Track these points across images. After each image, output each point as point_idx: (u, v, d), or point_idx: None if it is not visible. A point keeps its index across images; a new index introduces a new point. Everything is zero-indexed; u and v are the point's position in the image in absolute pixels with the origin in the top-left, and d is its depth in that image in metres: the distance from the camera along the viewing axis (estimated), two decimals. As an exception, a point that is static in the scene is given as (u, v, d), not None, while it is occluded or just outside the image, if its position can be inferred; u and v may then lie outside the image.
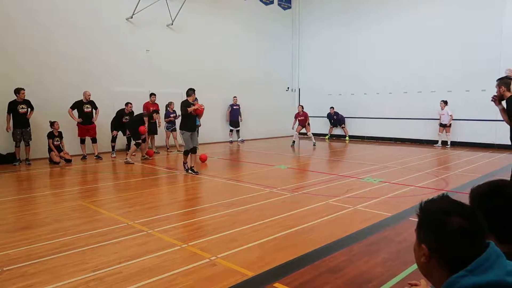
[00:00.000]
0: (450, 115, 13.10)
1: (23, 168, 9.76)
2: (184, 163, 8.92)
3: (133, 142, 10.69)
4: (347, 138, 16.74)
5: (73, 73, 11.71)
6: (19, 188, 7.82)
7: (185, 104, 8.64)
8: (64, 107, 11.20)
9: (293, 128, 14.51)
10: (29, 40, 10.87)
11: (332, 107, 16.95)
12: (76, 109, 10.99)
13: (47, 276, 3.50)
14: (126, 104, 11.58)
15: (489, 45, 12.86)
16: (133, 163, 10.39)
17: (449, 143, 13.32)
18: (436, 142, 13.64)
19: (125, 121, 11.53)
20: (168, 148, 13.02)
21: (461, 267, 1.18)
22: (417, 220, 1.35)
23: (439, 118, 13.52)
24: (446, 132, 13.27)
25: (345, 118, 16.97)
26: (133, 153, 11.02)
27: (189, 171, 8.74)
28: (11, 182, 8.28)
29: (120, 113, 11.57)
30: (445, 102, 13.24)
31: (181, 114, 8.78)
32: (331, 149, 13.95)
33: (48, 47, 11.24)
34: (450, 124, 13.22)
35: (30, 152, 10.34)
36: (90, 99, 11.06)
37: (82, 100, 11.07)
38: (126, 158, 10.47)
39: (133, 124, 10.75)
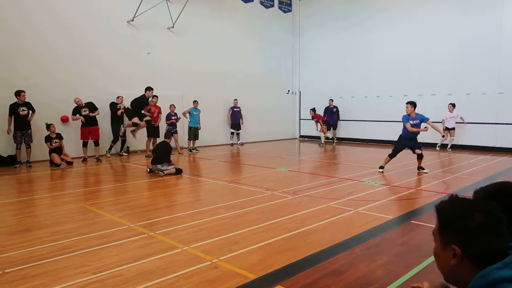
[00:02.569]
0: (461, 117, 12.92)
1: (24, 170, 9.76)
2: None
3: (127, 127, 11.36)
4: (334, 140, 16.52)
5: (74, 76, 11.73)
6: (20, 190, 7.82)
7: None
8: (64, 111, 11.24)
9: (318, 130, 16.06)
10: (27, 42, 10.87)
11: (331, 99, 16.83)
12: (77, 114, 11.10)
13: (48, 278, 3.50)
14: (117, 97, 11.99)
15: (489, 49, 12.88)
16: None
17: (449, 146, 13.27)
18: (436, 145, 13.55)
19: (119, 114, 11.88)
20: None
21: (492, 262, 1.19)
22: (436, 222, 1.34)
23: (441, 121, 13.15)
24: (451, 136, 13.05)
25: (345, 121, 16.95)
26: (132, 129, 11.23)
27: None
28: (12, 184, 8.27)
29: (114, 106, 11.92)
30: (454, 105, 13.00)
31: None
32: (332, 152, 13.95)
33: (47, 50, 11.25)
34: (454, 128, 13.04)
35: (31, 154, 10.34)
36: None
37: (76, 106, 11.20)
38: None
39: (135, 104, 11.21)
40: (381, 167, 9.14)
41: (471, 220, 1.23)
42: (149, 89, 11.56)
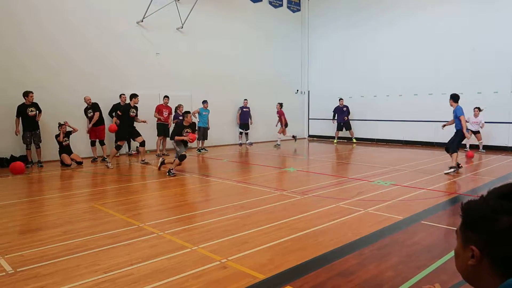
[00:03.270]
0: (482, 123, 12.22)
1: (35, 170, 9.88)
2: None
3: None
4: (354, 140, 16.43)
5: (83, 77, 11.83)
6: (31, 190, 7.93)
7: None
8: (73, 111, 11.35)
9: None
10: (37, 44, 11.00)
11: (341, 99, 16.42)
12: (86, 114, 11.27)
13: (60, 277, 3.54)
14: (120, 96, 11.97)
15: (500, 46, 12.69)
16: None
17: (481, 147, 12.59)
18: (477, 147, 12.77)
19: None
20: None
21: None
22: (460, 221, 1.32)
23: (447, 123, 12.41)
24: (479, 140, 12.44)
25: (354, 120, 16.85)
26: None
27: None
28: (23, 184, 8.39)
29: (116, 107, 11.86)
30: (480, 109, 12.19)
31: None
32: (341, 152, 13.88)
33: (57, 51, 11.37)
34: (479, 131, 12.44)
35: (41, 154, 10.47)
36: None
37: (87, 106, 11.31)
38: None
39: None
40: (455, 167, 8.55)
41: (496, 222, 1.20)
42: (134, 96, 10.47)
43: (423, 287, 1.84)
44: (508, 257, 1.17)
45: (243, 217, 5.45)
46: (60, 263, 3.86)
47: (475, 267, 1.23)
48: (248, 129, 16.09)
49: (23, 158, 10.39)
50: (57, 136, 10.54)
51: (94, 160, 11.26)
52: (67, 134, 10.69)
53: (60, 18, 11.43)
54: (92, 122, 11.06)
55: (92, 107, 11.20)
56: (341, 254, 4.01)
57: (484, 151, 12.51)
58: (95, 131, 11.27)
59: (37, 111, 10.29)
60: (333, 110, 16.72)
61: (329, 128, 17.47)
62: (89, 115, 11.25)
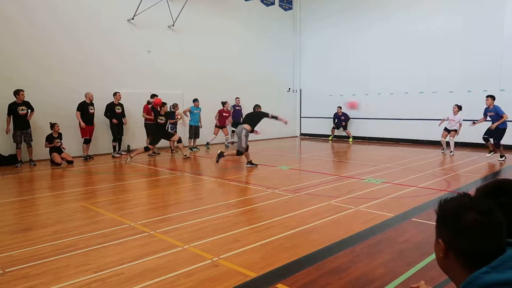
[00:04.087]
0: (460, 124, 11.68)
1: (26, 170, 9.77)
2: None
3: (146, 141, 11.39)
4: (351, 139, 16.56)
5: (74, 75, 11.72)
6: (21, 189, 7.83)
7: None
8: (64, 109, 11.23)
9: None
10: (29, 42, 10.86)
11: (339, 107, 16.62)
12: (81, 111, 11.09)
13: (50, 277, 3.50)
14: (114, 94, 11.81)
15: (490, 45, 12.85)
16: (189, 156, 11.42)
17: (452, 149, 11.84)
18: (444, 148, 12.20)
19: (118, 112, 11.76)
20: (172, 150, 12.98)
21: (479, 263, 1.18)
22: (433, 219, 1.37)
23: (441, 120, 12.00)
24: (451, 136, 11.73)
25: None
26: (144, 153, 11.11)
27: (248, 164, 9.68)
28: (13, 184, 8.29)
29: (111, 106, 11.74)
30: (460, 108, 11.73)
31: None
32: (333, 150, 13.94)
33: (48, 49, 11.24)
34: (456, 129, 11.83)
35: (32, 153, 10.35)
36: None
37: (85, 101, 11.17)
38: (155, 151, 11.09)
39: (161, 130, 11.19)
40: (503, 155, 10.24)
41: (461, 217, 1.24)
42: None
43: (411, 286, 1.87)
44: (472, 252, 1.21)
45: (235, 216, 5.45)
46: (50, 263, 3.82)
47: (444, 260, 1.28)
48: (240, 127, 16.04)
49: (13, 157, 10.27)
50: (48, 138, 10.40)
51: (86, 158, 11.16)
52: (59, 136, 10.58)
53: (51, 16, 11.28)
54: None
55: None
56: (332, 252, 4.03)
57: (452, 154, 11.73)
58: (88, 130, 11.20)
59: (29, 110, 10.17)
60: (332, 116, 16.97)
61: (321, 127, 17.52)
62: (90, 111, 11.20)
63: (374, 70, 15.98)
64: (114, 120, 11.67)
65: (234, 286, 3.28)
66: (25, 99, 10.08)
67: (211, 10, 15.28)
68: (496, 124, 10.05)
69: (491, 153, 10.50)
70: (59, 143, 10.52)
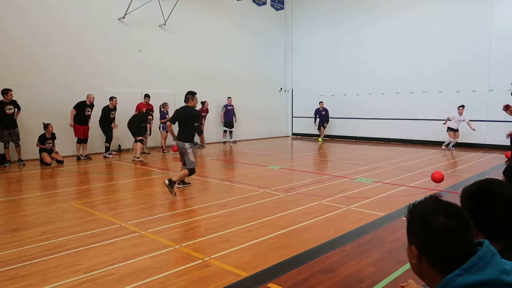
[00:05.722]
0: (467, 122, 12.20)
1: (14, 169, 9.65)
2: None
3: (136, 140, 10.90)
4: (320, 139, 16.55)
5: (65, 74, 11.61)
6: (9, 189, 7.73)
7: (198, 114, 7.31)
8: (55, 108, 11.12)
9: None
10: (19, 40, 10.75)
11: (321, 102, 16.66)
12: (77, 110, 11.00)
13: (38, 278, 3.47)
14: (111, 98, 11.63)
15: (479, 45, 13.00)
16: (146, 161, 10.71)
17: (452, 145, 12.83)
18: (443, 143, 13.09)
19: (112, 117, 11.64)
20: (164, 150, 12.92)
21: (451, 266, 1.19)
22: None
23: (446, 120, 12.64)
24: (456, 138, 12.56)
25: (337, 119, 17.01)
26: (141, 151, 11.00)
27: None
28: (1, 184, 8.17)
29: (106, 110, 11.57)
30: (463, 108, 12.32)
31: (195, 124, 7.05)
32: (324, 150, 14.00)
33: (39, 47, 11.12)
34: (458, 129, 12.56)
35: (21, 152, 10.22)
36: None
37: (85, 101, 11.13)
38: (137, 157, 10.65)
39: (135, 124, 11.07)
40: None
41: (429, 222, 1.24)
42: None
43: (400, 285, 1.88)
44: (443, 256, 1.21)
45: (226, 215, 5.44)
46: (39, 264, 3.78)
47: (418, 265, 1.28)
48: (233, 127, 16.05)
49: (1, 157, 10.13)
50: (40, 138, 10.27)
51: (79, 158, 11.07)
52: (53, 136, 10.46)
53: (43, 14, 11.17)
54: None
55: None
56: (323, 251, 4.05)
57: (453, 148, 12.70)
58: (83, 130, 11.12)
59: (16, 109, 10.04)
60: (314, 113, 16.92)
61: (313, 126, 17.57)
62: (86, 113, 11.14)
63: (365, 70, 16.07)
64: (114, 125, 11.67)
65: (226, 285, 3.28)
66: (13, 98, 9.94)
67: (202, 9, 15.24)
68: None
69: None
70: (51, 145, 10.40)
